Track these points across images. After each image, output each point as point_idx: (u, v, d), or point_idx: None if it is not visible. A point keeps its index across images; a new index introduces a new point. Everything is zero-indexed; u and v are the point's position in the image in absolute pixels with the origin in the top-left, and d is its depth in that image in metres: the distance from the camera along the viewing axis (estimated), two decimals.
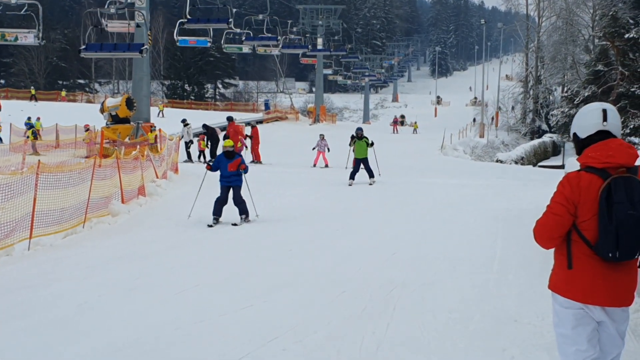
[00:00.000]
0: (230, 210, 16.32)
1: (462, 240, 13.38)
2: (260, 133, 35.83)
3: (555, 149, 64.10)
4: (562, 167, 44.89)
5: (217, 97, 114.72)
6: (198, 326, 7.67)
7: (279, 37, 52.43)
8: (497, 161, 48.84)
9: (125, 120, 30.35)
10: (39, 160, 14.14)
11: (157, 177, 21.83)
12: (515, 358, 6.56)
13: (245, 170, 16.46)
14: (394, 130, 74.56)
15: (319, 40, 78.38)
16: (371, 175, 24.27)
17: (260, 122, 63.38)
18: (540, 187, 21.82)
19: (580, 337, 4.54)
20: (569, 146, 55.54)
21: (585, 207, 4.42)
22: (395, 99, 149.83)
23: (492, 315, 7.97)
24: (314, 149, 32.61)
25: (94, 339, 7.25)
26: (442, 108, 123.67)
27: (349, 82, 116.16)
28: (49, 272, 10.94)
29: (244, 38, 51.12)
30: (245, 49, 53.72)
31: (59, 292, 9.45)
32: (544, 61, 75.16)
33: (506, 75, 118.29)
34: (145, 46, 26.61)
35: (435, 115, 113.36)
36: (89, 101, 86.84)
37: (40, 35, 27.88)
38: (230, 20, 36.83)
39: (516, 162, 48.94)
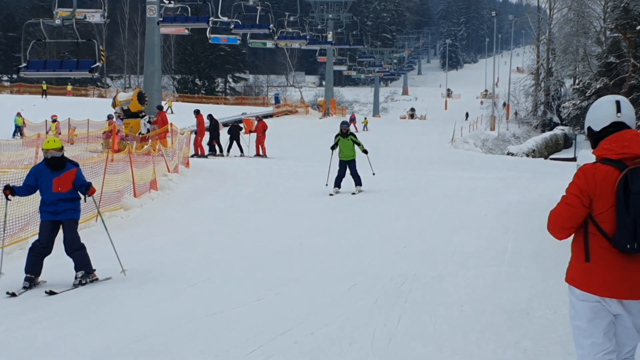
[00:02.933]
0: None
1: (473, 233, 13.37)
2: (270, 126, 35.91)
3: (567, 142, 63.87)
4: (573, 159, 44.73)
5: (228, 91, 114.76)
6: (210, 319, 7.72)
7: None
8: (508, 154, 48.78)
9: (137, 115, 30.39)
10: None
11: (169, 171, 21.89)
12: (528, 351, 6.57)
13: (88, 189, 10.26)
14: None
15: (330, 34, 78.19)
16: (358, 182, 19.83)
17: (270, 115, 63.41)
18: (551, 179, 21.78)
19: (597, 330, 4.54)
20: (581, 139, 55.38)
21: (602, 199, 4.41)
22: (405, 92, 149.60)
23: (503, 308, 7.98)
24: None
25: (107, 331, 7.30)
26: (453, 101, 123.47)
27: (362, 76, 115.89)
28: (62, 266, 10.99)
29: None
30: (269, 44, 54.78)
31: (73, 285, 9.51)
32: (555, 53, 74.77)
33: (517, 68, 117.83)
34: (97, 64, 22.47)
35: (446, 108, 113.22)
36: (100, 96, 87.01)
37: (106, 14, 29.85)
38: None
39: (527, 155, 48.89)
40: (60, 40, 31.00)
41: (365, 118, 69.46)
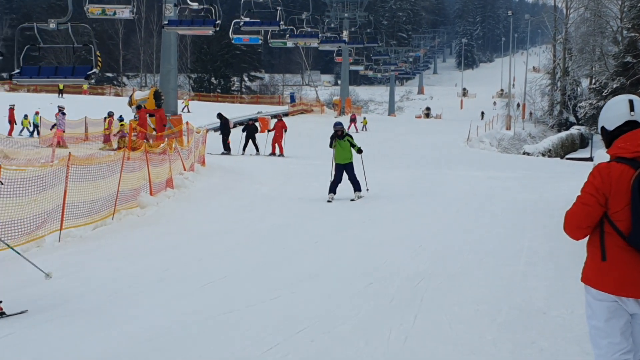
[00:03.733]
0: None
1: (489, 232, 13.34)
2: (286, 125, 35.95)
3: (583, 141, 63.64)
4: (590, 159, 44.56)
5: (243, 90, 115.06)
6: (226, 317, 7.73)
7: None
8: (524, 153, 48.64)
9: (153, 114, 30.46)
10: (69, 152, 14.27)
11: (185, 170, 21.96)
12: (544, 350, 6.54)
13: None
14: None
15: (345, 33, 78.14)
16: (357, 187, 18.65)
17: (285, 114, 63.49)
18: (568, 179, 21.69)
19: (614, 329, 4.52)
20: (597, 138, 55.10)
21: (617, 197, 4.40)
22: (420, 91, 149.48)
23: (520, 307, 7.96)
24: None
25: (124, 329, 7.32)
26: (468, 100, 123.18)
27: (379, 75, 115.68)
28: (80, 263, 11.07)
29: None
30: (289, 43, 54.93)
31: (90, 283, 9.58)
32: (571, 53, 74.53)
33: (533, 67, 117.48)
34: (94, 70, 20.79)
35: (461, 108, 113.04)
36: (116, 94, 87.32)
37: (134, 10, 29.78)
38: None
39: (543, 155, 48.74)
40: (55, 45, 30.82)
41: (365, 118, 65.91)
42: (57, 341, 6.92)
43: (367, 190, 18.83)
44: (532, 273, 9.73)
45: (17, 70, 20.46)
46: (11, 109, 39.69)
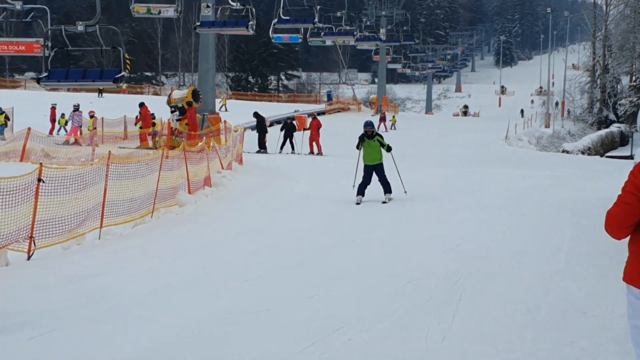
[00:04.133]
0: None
1: (528, 231, 13.25)
2: (322, 124, 35.98)
3: (623, 139, 62.93)
4: (630, 157, 44.12)
5: (280, 88, 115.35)
6: (263, 315, 7.75)
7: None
8: (563, 151, 48.25)
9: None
10: (109, 151, 14.42)
11: (223, 168, 22.08)
12: (585, 350, 6.48)
13: None
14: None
15: (382, 31, 77.94)
16: (387, 189, 17.76)
17: (322, 113, 63.53)
18: (608, 177, 21.47)
19: None
20: (638, 136, 54.54)
21: None
22: (458, 89, 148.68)
23: (559, 307, 7.89)
24: None
25: (162, 326, 7.38)
26: (507, 98, 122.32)
27: (416, 73, 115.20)
28: (119, 261, 11.18)
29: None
30: (328, 42, 54.87)
31: (129, 280, 9.67)
32: (611, 50, 73.75)
33: (572, 65, 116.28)
34: (123, 73, 20.30)
35: (500, 106, 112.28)
36: (155, 93, 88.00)
37: (179, 9, 30.32)
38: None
39: (583, 153, 48.30)
40: (83, 48, 30.72)
41: (394, 116, 63.90)
42: (96, 338, 6.99)
43: (405, 192, 18.00)
44: (572, 272, 9.65)
45: (45, 74, 19.78)
46: (53, 108, 40.13)
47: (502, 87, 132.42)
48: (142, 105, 33.51)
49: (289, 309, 7.98)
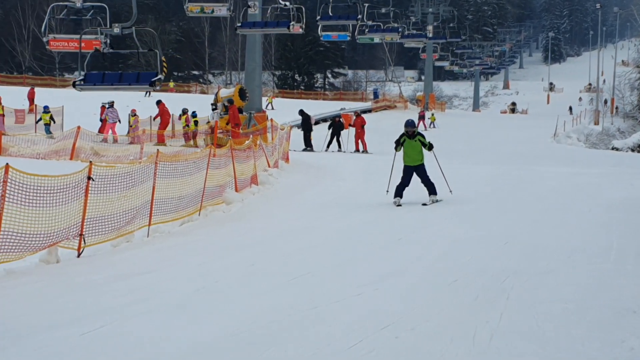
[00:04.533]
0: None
1: (577, 229, 13.10)
2: (369, 122, 35.97)
3: None
4: None
5: (327, 86, 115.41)
6: (310, 312, 7.77)
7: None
8: (612, 149, 47.58)
9: (239, 111, 30.84)
10: (157, 149, 14.58)
11: (269, 166, 22.18)
12: (635, 349, 6.39)
13: None
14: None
15: (429, 28, 77.58)
16: (432, 190, 16.93)
17: (369, 110, 63.46)
18: None
19: None
20: None
21: None
22: (506, 86, 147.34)
23: (609, 305, 7.80)
24: None
25: (211, 324, 7.42)
26: (555, 95, 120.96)
27: (464, 70, 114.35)
28: (168, 258, 11.29)
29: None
30: (376, 39, 54.48)
31: (178, 278, 9.76)
32: None
33: (622, 61, 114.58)
34: (159, 76, 20.04)
35: (548, 102, 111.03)
36: (202, 92, 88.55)
37: (231, 8, 30.25)
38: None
39: (633, 150, 47.56)
40: (119, 51, 30.47)
41: (433, 114, 61.62)
42: (145, 335, 7.06)
43: (451, 192, 17.34)
44: (622, 271, 9.52)
45: (80, 77, 18.83)
46: (103, 107, 40.58)
47: (551, 84, 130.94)
48: (159, 102, 33.82)
49: (336, 307, 7.99)
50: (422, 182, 16.90)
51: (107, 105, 34.63)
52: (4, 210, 9.52)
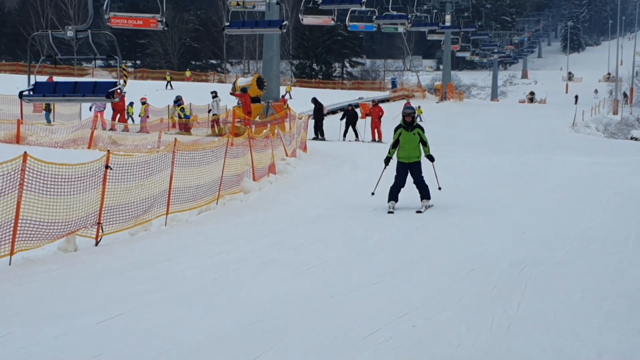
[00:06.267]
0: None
1: (595, 218, 13.06)
2: (387, 111, 35.89)
3: None
4: None
5: (345, 76, 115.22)
6: (328, 301, 7.79)
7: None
8: (631, 139, 47.31)
9: (256, 100, 30.87)
10: (175, 138, 14.61)
11: (287, 156, 22.19)
12: None
13: None
14: None
15: (447, 17, 77.23)
16: (425, 194, 14.53)
17: (387, 100, 63.33)
18: None
19: None
20: None
21: None
22: (524, 76, 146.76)
23: (627, 295, 7.77)
24: None
25: (228, 312, 7.45)
26: (574, 84, 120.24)
27: (484, 60, 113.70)
28: (185, 247, 11.32)
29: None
30: (401, 29, 53.71)
31: (195, 266, 9.78)
32: None
33: None
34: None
35: (567, 92, 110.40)
36: (220, 81, 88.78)
37: (271, 2, 30.00)
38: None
39: None
40: (72, 57, 29.58)
41: (419, 107, 54.53)
42: (162, 323, 7.09)
43: (440, 189, 14.97)
44: None
45: (28, 87, 15.55)
46: (122, 97, 40.67)
47: (570, 73, 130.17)
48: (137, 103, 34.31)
49: (354, 296, 8.00)
50: (415, 182, 14.63)
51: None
52: (22, 198, 9.58)
